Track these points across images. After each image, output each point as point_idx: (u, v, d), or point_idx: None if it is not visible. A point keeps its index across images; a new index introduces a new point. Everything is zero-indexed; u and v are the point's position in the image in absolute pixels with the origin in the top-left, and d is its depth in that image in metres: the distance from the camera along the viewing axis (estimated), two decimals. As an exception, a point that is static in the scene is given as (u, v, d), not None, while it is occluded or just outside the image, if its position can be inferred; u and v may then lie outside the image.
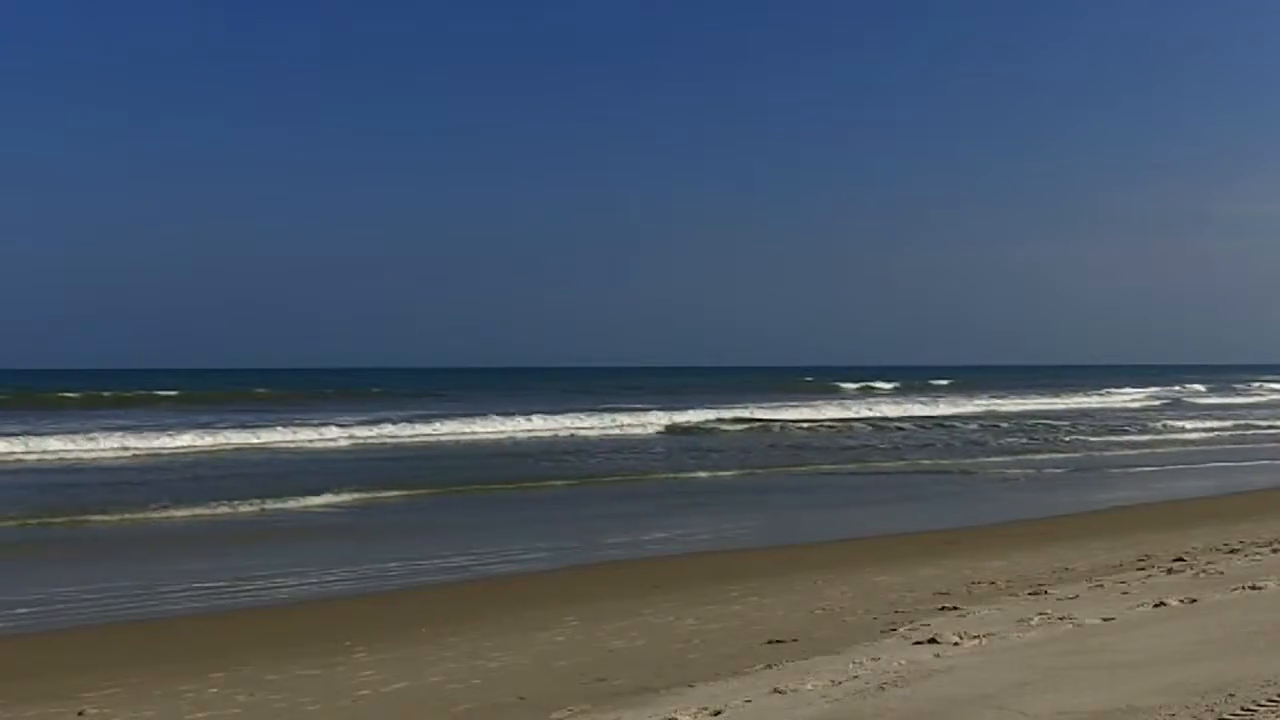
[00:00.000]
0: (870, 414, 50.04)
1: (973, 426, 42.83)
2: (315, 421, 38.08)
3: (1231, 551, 12.47)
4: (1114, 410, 57.33)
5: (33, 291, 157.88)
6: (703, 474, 25.91)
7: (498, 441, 36.26)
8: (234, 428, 35.49)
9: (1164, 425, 42.96)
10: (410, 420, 40.08)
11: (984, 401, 60.85)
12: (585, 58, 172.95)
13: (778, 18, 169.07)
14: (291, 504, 19.42)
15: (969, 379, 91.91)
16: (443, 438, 36.88)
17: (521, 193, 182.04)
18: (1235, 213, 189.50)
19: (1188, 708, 5.06)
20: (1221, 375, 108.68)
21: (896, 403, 58.49)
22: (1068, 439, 36.61)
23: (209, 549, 15.54)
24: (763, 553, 14.81)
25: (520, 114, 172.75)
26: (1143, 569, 11.73)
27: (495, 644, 9.57)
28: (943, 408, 55.68)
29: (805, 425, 43.70)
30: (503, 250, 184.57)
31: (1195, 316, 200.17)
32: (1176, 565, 11.62)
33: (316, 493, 20.36)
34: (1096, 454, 31.22)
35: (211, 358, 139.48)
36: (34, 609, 11.70)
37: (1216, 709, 5.00)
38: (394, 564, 14.21)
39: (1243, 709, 4.97)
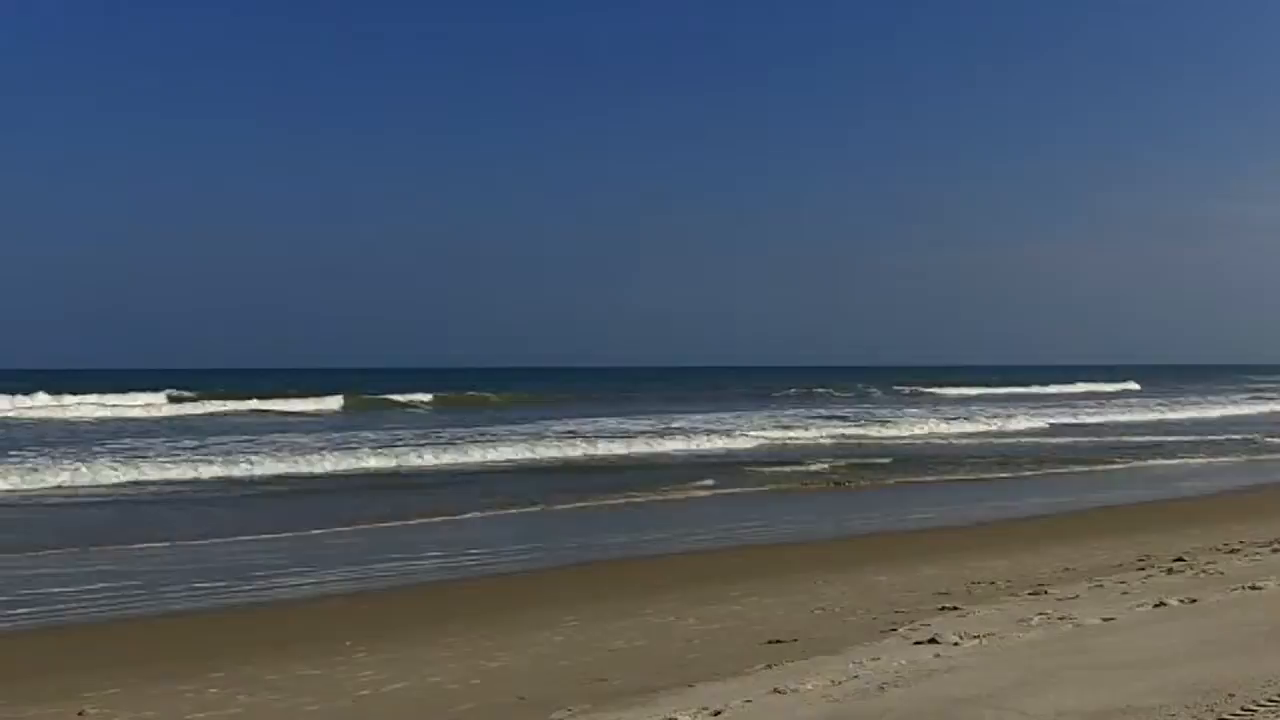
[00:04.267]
0: (1165, 417, 48.51)
1: None
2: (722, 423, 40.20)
3: (1231, 551, 12.48)
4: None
5: (31, 292, 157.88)
6: None
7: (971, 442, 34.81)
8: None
9: None
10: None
11: (1165, 409, 55.67)
12: (585, 58, 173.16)
13: (778, 18, 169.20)
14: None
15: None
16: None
17: (521, 193, 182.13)
18: (1234, 213, 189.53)
19: (1188, 708, 5.07)
20: (1239, 375, 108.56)
21: (1144, 407, 55.40)
22: None
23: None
24: (763, 552, 14.81)
25: (520, 114, 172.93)
26: (1143, 569, 11.74)
27: (495, 644, 9.57)
28: (1183, 413, 52.05)
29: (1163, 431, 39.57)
30: (502, 250, 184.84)
31: (1196, 317, 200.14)
32: (1176, 565, 11.62)
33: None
34: None
35: (210, 358, 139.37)
36: (35, 607, 11.71)
37: (1216, 709, 5.01)
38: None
39: (1243, 709, 4.98)
